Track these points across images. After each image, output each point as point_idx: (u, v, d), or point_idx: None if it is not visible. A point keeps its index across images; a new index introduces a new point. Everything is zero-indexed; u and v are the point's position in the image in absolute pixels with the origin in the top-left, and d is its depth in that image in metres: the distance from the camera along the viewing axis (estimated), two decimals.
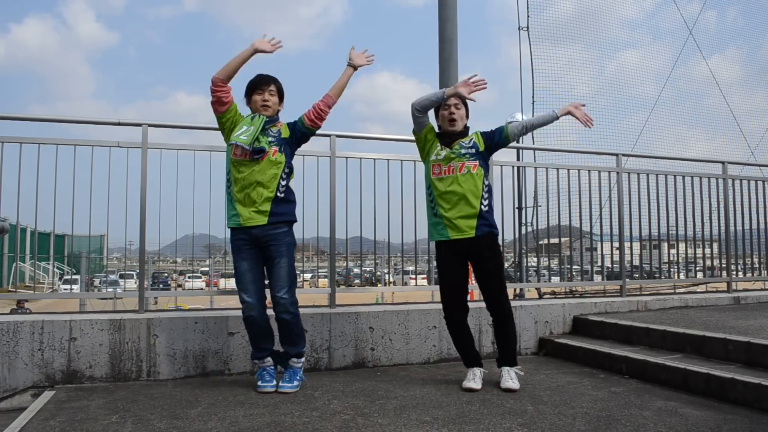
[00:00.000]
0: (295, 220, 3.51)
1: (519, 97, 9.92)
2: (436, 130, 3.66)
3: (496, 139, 3.57)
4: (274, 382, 3.35)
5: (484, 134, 3.59)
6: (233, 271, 3.45)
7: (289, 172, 3.47)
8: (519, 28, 9.43)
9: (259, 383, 3.36)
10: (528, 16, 9.47)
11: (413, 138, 3.69)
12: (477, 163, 3.48)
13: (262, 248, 3.37)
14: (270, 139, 3.39)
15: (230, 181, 3.40)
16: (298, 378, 3.42)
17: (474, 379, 3.42)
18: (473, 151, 3.50)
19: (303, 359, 3.49)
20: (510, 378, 3.41)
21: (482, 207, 3.45)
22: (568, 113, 3.54)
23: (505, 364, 3.49)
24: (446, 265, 3.53)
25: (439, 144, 3.56)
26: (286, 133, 3.47)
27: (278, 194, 3.37)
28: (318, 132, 4.41)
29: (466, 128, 3.61)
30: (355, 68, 3.58)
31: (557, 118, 3.56)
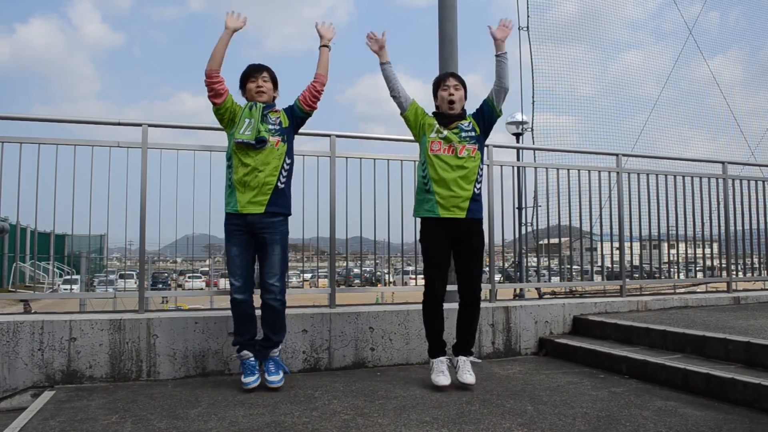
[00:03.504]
0: (290, 214, 3.55)
1: (519, 97, 9.94)
2: (434, 110, 3.63)
3: (486, 113, 3.58)
4: (257, 375, 3.38)
5: (475, 116, 3.60)
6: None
7: (291, 163, 3.51)
8: (519, 29, 9.44)
9: (244, 378, 3.36)
10: (528, 17, 9.49)
11: (413, 138, 3.69)
12: (476, 147, 3.51)
13: (256, 235, 3.40)
14: (271, 127, 3.42)
15: (231, 167, 3.42)
16: (281, 367, 3.45)
17: (444, 372, 3.43)
18: (472, 134, 3.52)
19: (280, 347, 3.52)
20: (468, 370, 3.44)
21: (475, 190, 3.49)
22: (496, 38, 3.55)
23: (464, 352, 3.52)
24: (435, 242, 3.49)
25: (437, 123, 3.54)
26: (286, 122, 3.50)
27: (279, 184, 3.41)
28: (318, 132, 4.43)
29: (464, 111, 3.61)
30: (328, 46, 3.62)
31: (500, 54, 3.55)
